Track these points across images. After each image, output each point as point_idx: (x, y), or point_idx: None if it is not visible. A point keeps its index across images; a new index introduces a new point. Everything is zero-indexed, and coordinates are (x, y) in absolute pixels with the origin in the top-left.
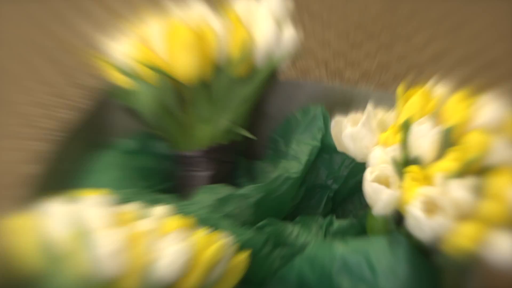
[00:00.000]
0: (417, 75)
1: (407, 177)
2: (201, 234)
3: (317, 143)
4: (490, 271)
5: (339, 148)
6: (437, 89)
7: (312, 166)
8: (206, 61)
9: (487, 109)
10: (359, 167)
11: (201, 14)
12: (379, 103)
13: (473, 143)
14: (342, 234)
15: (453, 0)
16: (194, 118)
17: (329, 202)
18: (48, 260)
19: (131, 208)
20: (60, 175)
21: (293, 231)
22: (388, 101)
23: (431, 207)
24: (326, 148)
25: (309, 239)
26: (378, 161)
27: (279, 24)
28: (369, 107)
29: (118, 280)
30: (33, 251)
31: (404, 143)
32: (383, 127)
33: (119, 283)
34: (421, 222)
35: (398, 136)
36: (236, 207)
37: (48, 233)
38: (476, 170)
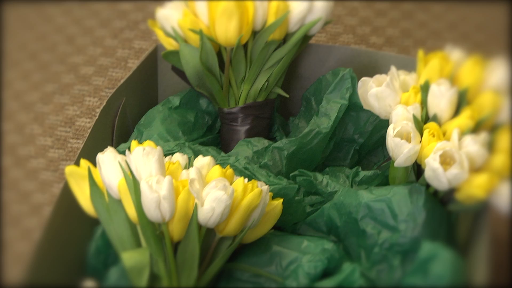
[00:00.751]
0: (436, 40)
1: (426, 133)
2: (240, 182)
3: (345, 102)
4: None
5: (365, 106)
6: (454, 54)
7: (340, 122)
8: (245, 26)
9: (498, 72)
10: (383, 124)
11: None
12: (401, 66)
13: (485, 102)
14: (367, 183)
15: None
16: (233, 78)
17: (355, 154)
18: (102, 206)
19: (177, 158)
20: (112, 128)
21: (323, 180)
22: (409, 64)
23: (447, 160)
24: (353, 106)
25: (337, 188)
26: (400, 118)
27: None
28: (393, 69)
29: (165, 224)
30: (89, 198)
31: (424, 102)
32: (405, 88)
33: (166, 227)
34: (438, 173)
35: (419, 96)
36: (271, 159)
37: (101, 182)
38: (488, 127)
